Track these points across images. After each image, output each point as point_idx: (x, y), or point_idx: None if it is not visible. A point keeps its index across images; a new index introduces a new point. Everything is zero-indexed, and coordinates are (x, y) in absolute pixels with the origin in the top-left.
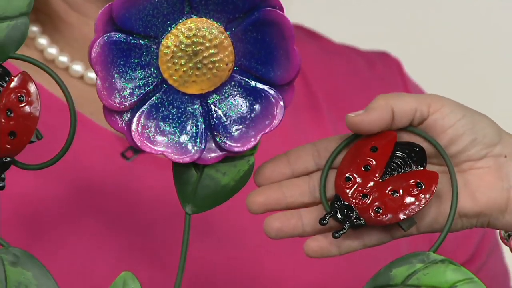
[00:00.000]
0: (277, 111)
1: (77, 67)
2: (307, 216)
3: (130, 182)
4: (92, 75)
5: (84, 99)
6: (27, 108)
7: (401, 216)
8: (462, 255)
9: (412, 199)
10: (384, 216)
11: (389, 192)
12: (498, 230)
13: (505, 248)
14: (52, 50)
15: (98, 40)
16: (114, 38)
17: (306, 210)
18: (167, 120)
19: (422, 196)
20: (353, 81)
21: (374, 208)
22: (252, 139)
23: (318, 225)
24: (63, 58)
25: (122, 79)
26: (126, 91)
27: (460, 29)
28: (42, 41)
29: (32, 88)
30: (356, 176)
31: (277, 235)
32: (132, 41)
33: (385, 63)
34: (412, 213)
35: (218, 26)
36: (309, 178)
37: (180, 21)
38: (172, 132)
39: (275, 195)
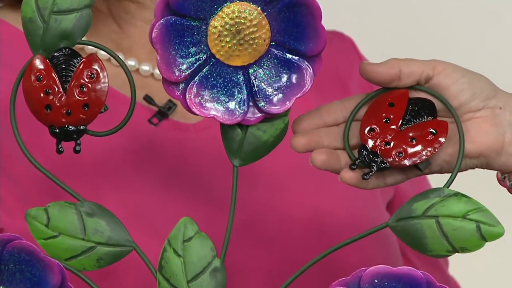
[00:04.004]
0: (308, 78)
1: (103, 53)
2: (343, 157)
3: (159, 144)
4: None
5: (115, 78)
6: (97, 84)
7: (419, 159)
8: None
9: (428, 144)
10: (405, 159)
11: (408, 139)
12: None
13: None
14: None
15: (158, 23)
16: (171, 21)
17: (342, 152)
18: (215, 88)
19: (436, 141)
20: None
21: (396, 153)
22: (287, 102)
23: None
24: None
25: (177, 55)
26: (182, 65)
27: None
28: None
29: (99, 67)
30: (377, 127)
31: (322, 166)
32: (185, 23)
33: (341, 40)
34: (428, 156)
35: (256, 8)
36: (339, 128)
37: (225, 5)
38: (220, 98)
39: (315, 138)
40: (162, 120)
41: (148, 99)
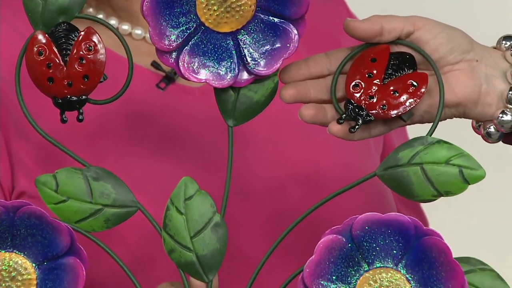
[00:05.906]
0: (293, 39)
1: (112, 22)
2: (330, 110)
3: (168, 108)
4: (125, 27)
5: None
6: (95, 55)
7: (402, 110)
8: None
9: (410, 95)
10: (389, 111)
11: (391, 92)
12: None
13: None
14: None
15: None
16: None
17: (329, 105)
18: (206, 54)
19: (417, 92)
20: (311, 17)
21: (381, 106)
22: (275, 64)
23: None
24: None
25: (168, 25)
26: (173, 34)
27: None
28: None
29: (97, 39)
30: (362, 82)
31: (310, 120)
32: None
33: (333, 1)
34: (410, 107)
35: None
36: (325, 80)
37: None
38: (212, 64)
39: (303, 89)
40: (169, 84)
41: (155, 64)
